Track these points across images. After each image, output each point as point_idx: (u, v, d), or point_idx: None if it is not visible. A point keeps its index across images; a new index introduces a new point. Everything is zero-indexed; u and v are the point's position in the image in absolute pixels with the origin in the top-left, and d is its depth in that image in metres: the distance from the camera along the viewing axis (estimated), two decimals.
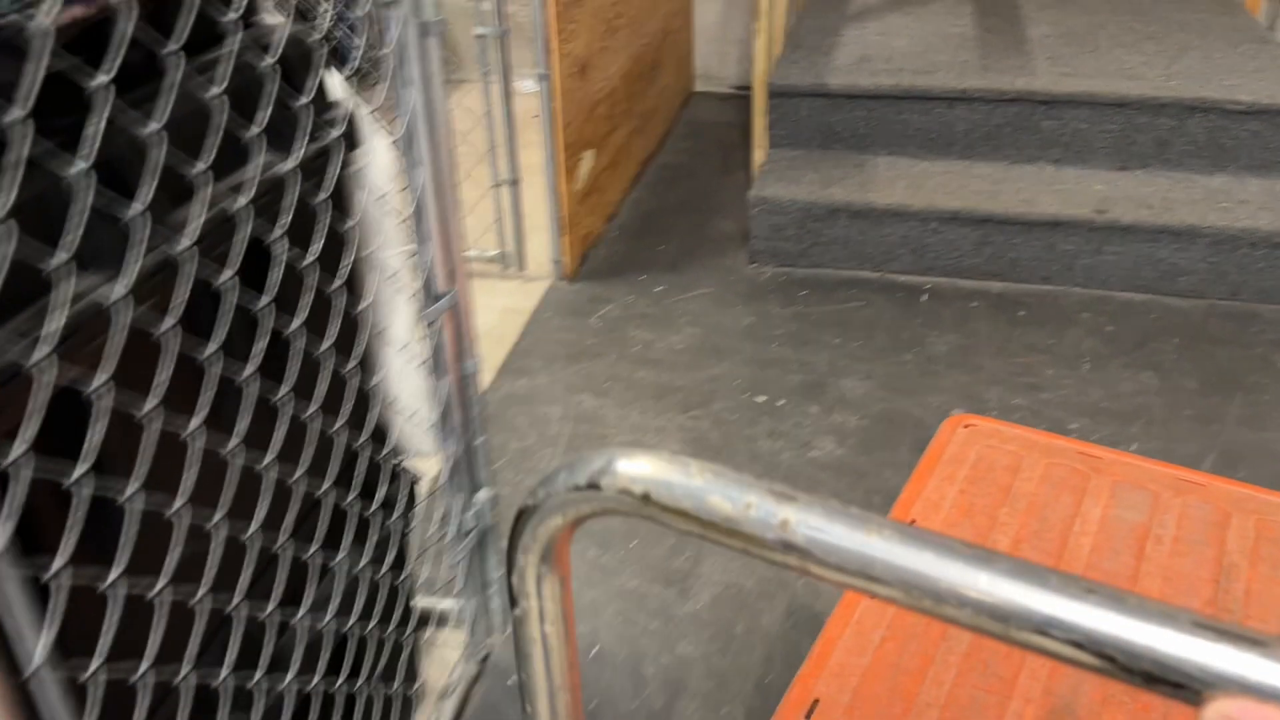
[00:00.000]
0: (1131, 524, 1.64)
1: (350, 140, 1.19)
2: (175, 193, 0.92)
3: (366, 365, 1.29)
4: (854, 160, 3.00)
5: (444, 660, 1.69)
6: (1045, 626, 0.55)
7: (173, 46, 0.86)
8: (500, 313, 2.76)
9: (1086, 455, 1.80)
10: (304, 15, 1.17)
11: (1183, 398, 2.33)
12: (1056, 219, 2.67)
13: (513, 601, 0.75)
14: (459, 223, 1.43)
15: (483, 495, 1.60)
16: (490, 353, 2.58)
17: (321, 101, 1.14)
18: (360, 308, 1.24)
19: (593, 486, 0.66)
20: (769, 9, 2.86)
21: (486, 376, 2.49)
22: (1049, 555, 1.60)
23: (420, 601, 1.74)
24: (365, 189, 1.24)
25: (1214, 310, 2.64)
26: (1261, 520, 1.72)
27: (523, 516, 0.71)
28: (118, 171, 0.86)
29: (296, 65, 1.10)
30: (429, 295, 1.39)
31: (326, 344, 1.15)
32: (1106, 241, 2.67)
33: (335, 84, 1.28)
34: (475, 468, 1.59)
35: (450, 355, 1.46)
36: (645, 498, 0.64)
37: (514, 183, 2.81)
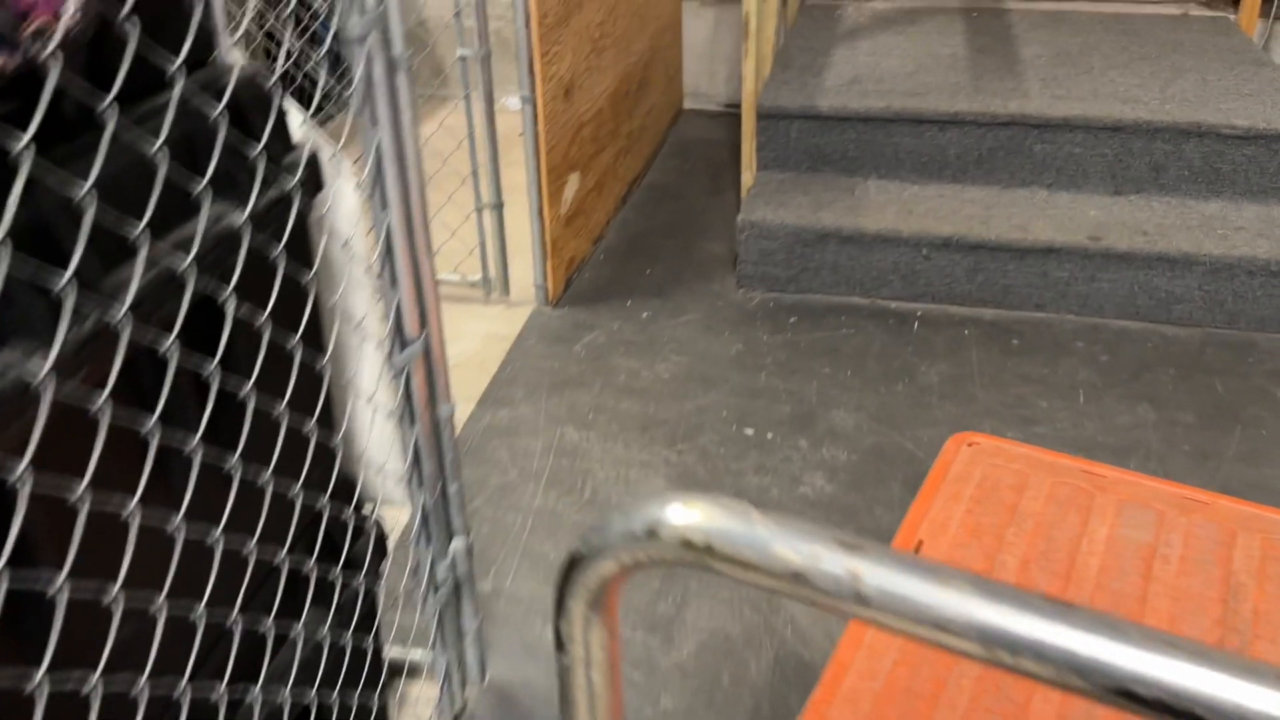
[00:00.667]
0: (1138, 543, 1.63)
1: (311, 185, 1.13)
2: (113, 252, 0.86)
3: (329, 420, 1.23)
4: (844, 183, 2.94)
5: (417, 717, 1.62)
6: (1130, 683, 0.54)
7: (107, 100, 0.79)
8: (483, 339, 2.70)
9: (1091, 474, 1.79)
10: (269, 52, 1.11)
11: (1180, 431, 2.28)
12: (1050, 246, 2.62)
13: (559, 647, 0.73)
14: (430, 265, 1.36)
15: (457, 544, 1.53)
16: (471, 381, 2.51)
17: (280, 145, 1.08)
18: (321, 361, 1.17)
19: (651, 535, 0.64)
20: (758, 29, 2.81)
21: (467, 407, 2.42)
22: (1057, 576, 1.59)
23: (391, 651, 1.67)
24: (328, 235, 1.18)
25: (1210, 339, 2.59)
26: (1267, 539, 1.71)
27: (574, 563, 0.69)
28: (48, 232, 0.80)
29: (252, 108, 1.03)
30: (399, 342, 1.33)
31: (284, 403, 1.08)
32: (1101, 269, 2.62)
33: (297, 123, 1.21)
34: (449, 516, 1.52)
35: (422, 402, 1.39)
36: (708, 549, 0.62)
37: (497, 207, 2.74)
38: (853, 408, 2.39)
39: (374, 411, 1.31)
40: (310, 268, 1.14)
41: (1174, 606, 1.53)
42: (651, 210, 3.38)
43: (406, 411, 1.37)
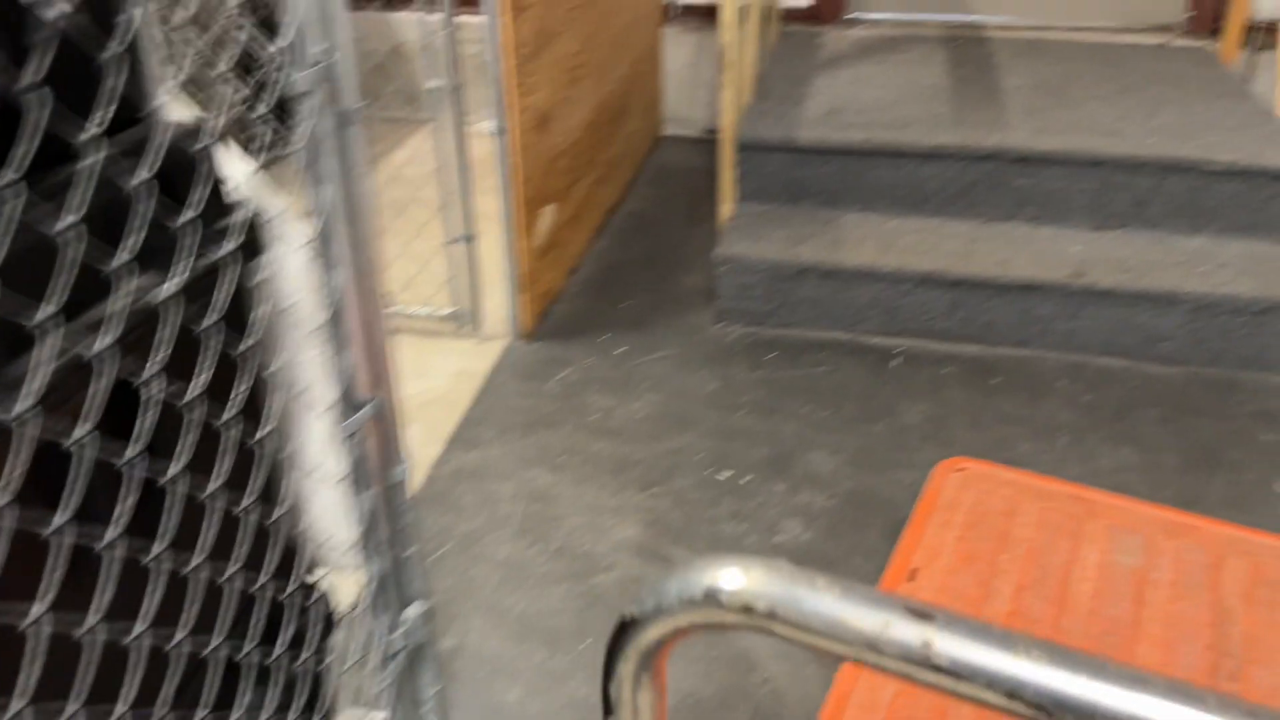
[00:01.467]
0: (1128, 568, 1.65)
1: (250, 248, 1.07)
2: (23, 338, 0.79)
3: (273, 493, 1.16)
4: (823, 216, 2.90)
5: None
6: None
7: (7, 179, 0.73)
8: (453, 376, 2.63)
9: (1079, 498, 1.82)
10: (207, 103, 1.05)
11: (1164, 476, 2.23)
12: (1032, 282, 2.58)
13: (608, 711, 0.73)
14: (383, 323, 1.30)
15: (413, 610, 1.46)
16: (440, 421, 2.45)
17: (215, 209, 1.02)
18: (263, 432, 1.11)
19: (709, 600, 0.64)
20: (738, 59, 2.76)
21: (435, 449, 2.36)
22: (1051, 603, 1.59)
23: (346, 717, 1.60)
24: (271, 300, 1.12)
25: (1194, 378, 2.55)
26: (1254, 563, 1.73)
27: (626, 626, 0.69)
28: None
29: (184, 169, 0.97)
30: (350, 405, 1.26)
31: (220, 482, 1.02)
32: (1084, 305, 2.58)
33: (241, 177, 1.15)
34: (405, 582, 1.45)
35: (375, 466, 1.32)
36: (770, 614, 0.62)
37: (469, 239, 2.68)
38: (831, 450, 2.33)
39: (322, 480, 1.25)
40: (250, 335, 1.08)
41: (1167, 632, 1.54)
42: (629, 240, 3.32)
43: (358, 477, 1.30)
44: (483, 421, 2.45)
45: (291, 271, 1.15)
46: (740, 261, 2.74)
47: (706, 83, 4.08)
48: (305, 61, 1.07)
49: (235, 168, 1.17)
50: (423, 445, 2.36)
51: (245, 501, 1.09)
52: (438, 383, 2.60)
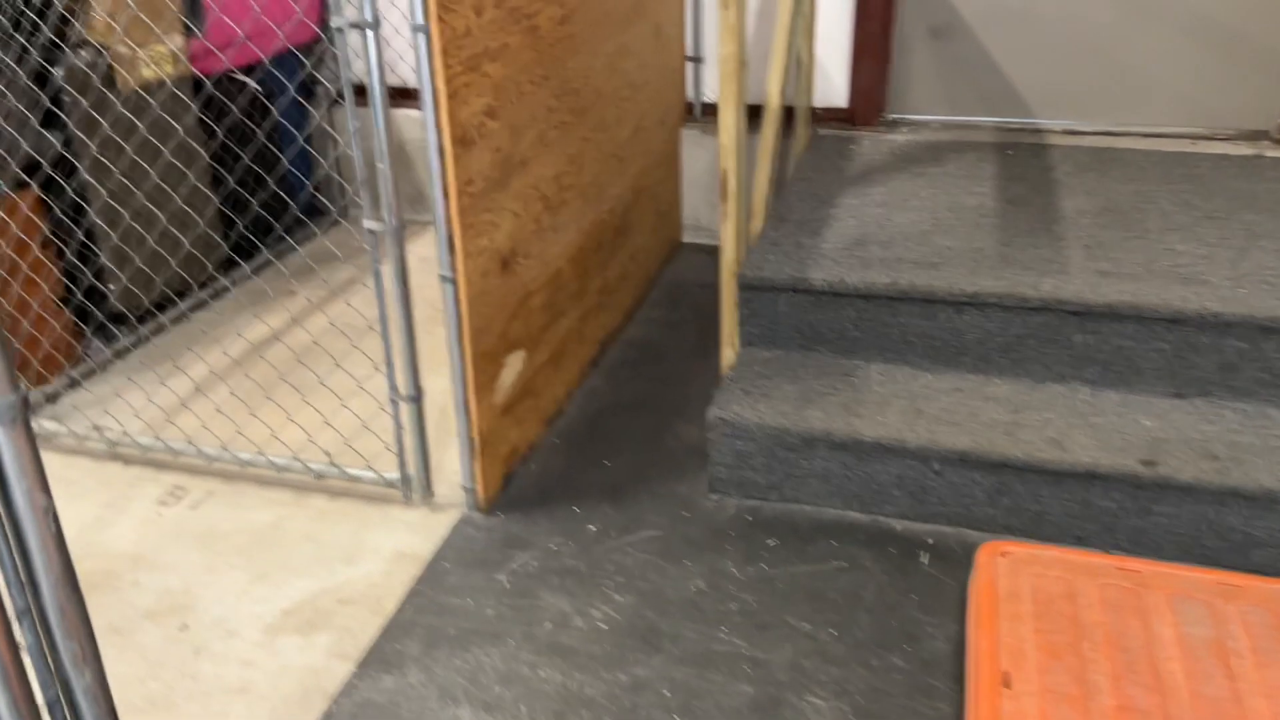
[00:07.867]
0: (1205, 640, 1.65)
1: None
2: None
3: None
4: (840, 369, 2.44)
5: None
6: None
7: None
8: (389, 559, 2.22)
9: (1126, 570, 1.84)
10: None
11: None
12: (1093, 470, 2.08)
13: None
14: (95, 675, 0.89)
15: None
16: (360, 627, 2.03)
17: None
18: None
19: None
20: (738, 190, 2.35)
21: (344, 670, 1.94)
22: (1150, 690, 1.56)
23: None
24: None
25: None
26: None
27: None
28: None
29: None
30: None
31: None
32: (1158, 500, 2.08)
33: None
34: None
35: None
36: None
37: (414, 399, 2.29)
38: (833, 692, 1.85)
39: None
40: None
41: (1271, 705, 1.53)
42: (626, 376, 2.90)
43: None
44: (410, 630, 2.02)
45: None
46: (737, 426, 2.30)
47: None
48: None
49: None
50: (331, 663, 1.95)
51: None
52: (369, 569, 2.19)
